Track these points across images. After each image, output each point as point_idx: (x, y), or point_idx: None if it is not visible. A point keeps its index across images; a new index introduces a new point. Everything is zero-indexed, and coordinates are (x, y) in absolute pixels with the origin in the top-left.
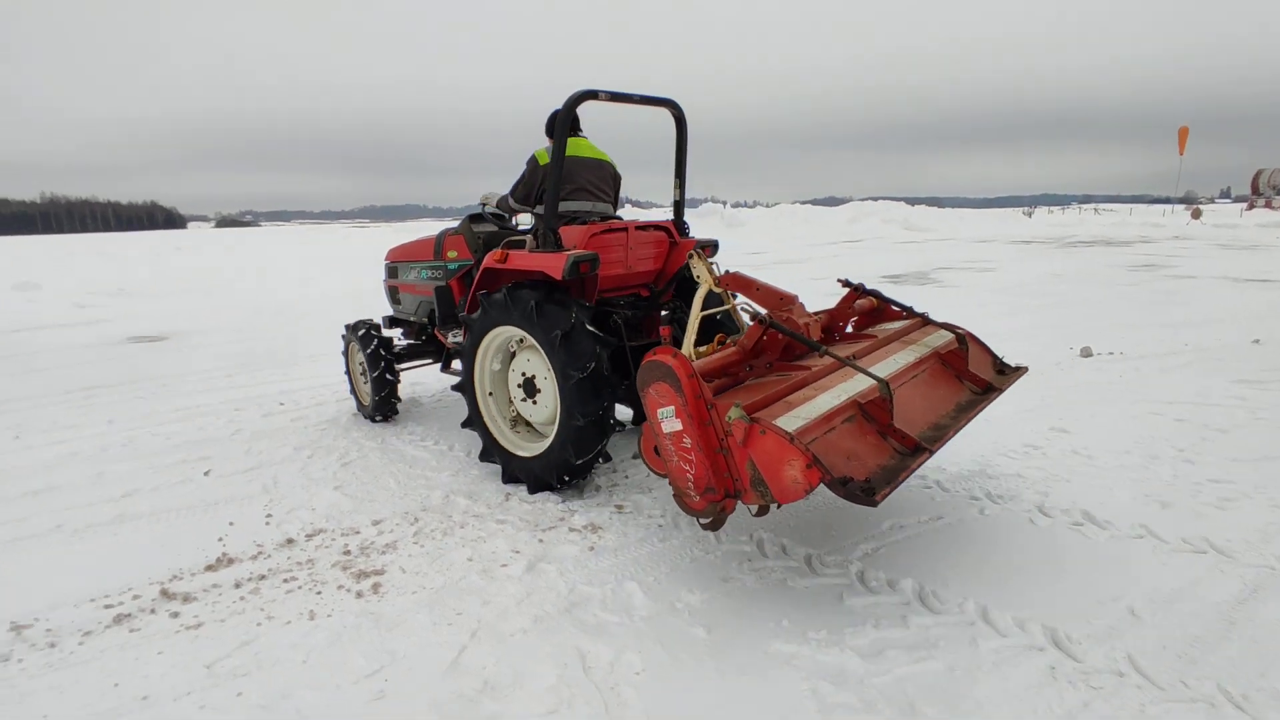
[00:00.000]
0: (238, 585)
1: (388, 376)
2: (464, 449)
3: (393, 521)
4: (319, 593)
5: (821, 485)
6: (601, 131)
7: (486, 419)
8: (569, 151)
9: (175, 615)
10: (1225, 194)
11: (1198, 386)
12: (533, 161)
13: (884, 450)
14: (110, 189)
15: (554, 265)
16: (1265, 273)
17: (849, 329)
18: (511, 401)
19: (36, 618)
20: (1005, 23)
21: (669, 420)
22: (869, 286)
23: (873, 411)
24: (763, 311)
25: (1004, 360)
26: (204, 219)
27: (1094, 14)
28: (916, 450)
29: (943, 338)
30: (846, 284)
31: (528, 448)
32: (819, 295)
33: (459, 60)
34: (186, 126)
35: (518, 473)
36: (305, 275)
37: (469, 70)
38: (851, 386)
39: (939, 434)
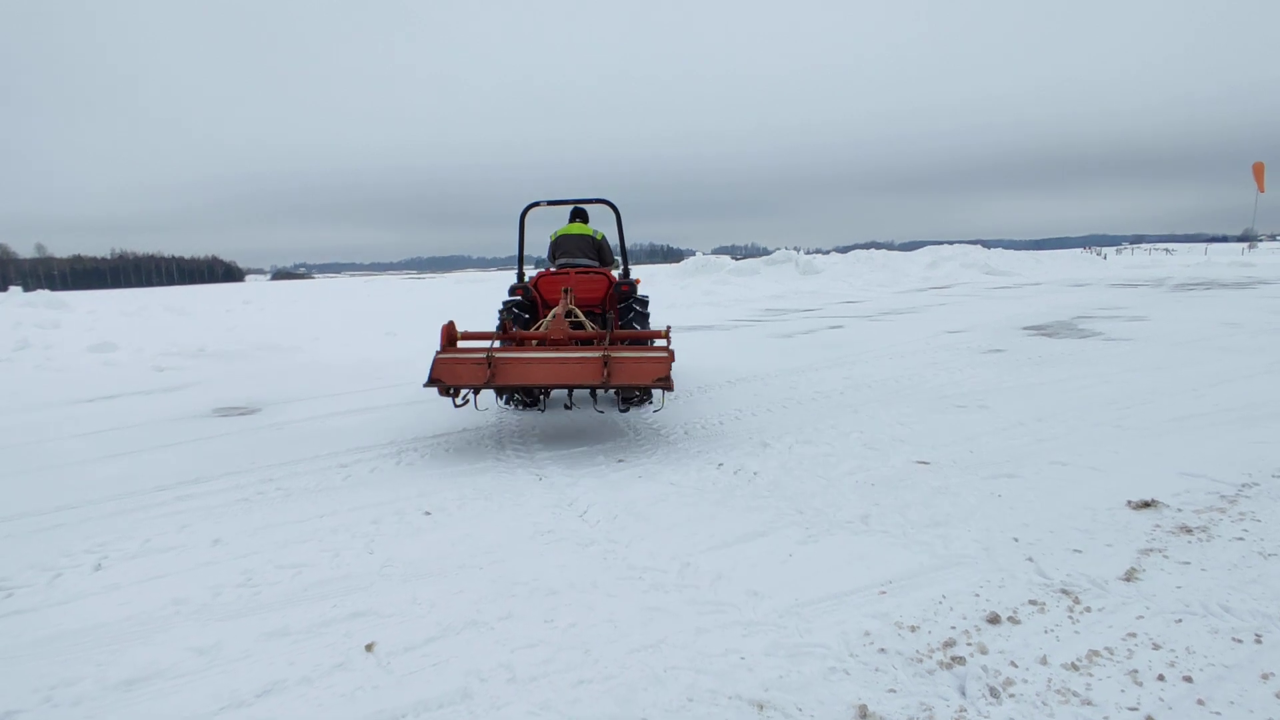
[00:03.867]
0: None
1: None
2: None
3: None
4: None
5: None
6: (653, 193)
7: None
8: (565, 231)
9: None
10: None
11: None
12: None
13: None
14: (173, 244)
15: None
16: None
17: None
18: None
19: None
20: (1045, 68)
21: None
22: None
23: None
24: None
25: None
26: (261, 271)
27: (1133, 54)
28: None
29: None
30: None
31: None
32: (962, 350)
33: (502, 119)
34: (239, 186)
35: None
36: (383, 330)
37: (511, 128)
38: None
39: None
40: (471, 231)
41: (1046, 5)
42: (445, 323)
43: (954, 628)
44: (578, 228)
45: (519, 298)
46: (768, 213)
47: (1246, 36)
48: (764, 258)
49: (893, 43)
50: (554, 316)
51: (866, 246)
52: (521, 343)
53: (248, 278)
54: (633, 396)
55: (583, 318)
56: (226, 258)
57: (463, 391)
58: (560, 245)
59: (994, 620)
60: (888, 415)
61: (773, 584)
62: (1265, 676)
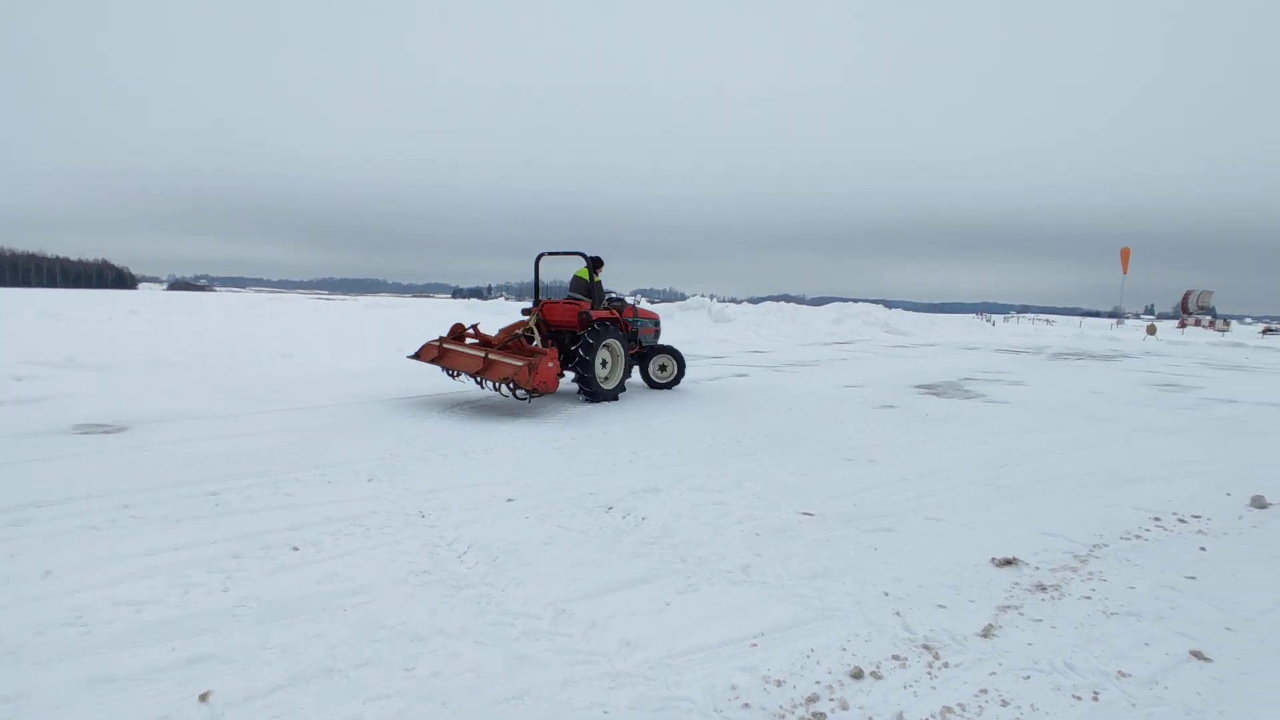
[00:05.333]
0: None
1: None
2: None
3: None
4: None
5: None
6: (577, 229)
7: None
8: (575, 273)
9: None
10: (1149, 310)
11: None
12: None
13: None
14: (59, 244)
15: None
16: None
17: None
18: None
19: None
20: (953, 147)
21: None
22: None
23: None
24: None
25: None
26: (156, 280)
27: (1035, 145)
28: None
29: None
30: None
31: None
32: (858, 404)
33: (425, 138)
34: (143, 184)
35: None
36: (279, 350)
37: (435, 149)
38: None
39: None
40: (390, 255)
41: (958, 83)
42: (455, 323)
43: (819, 682)
44: (581, 271)
45: (538, 316)
46: (689, 259)
47: (1118, 136)
48: (679, 303)
49: (821, 102)
50: (502, 330)
51: (779, 299)
52: (486, 343)
53: (141, 286)
54: (512, 388)
55: (535, 333)
56: (119, 262)
57: (456, 372)
58: (571, 283)
59: (857, 675)
60: (781, 465)
61: (647, 633)
62: None
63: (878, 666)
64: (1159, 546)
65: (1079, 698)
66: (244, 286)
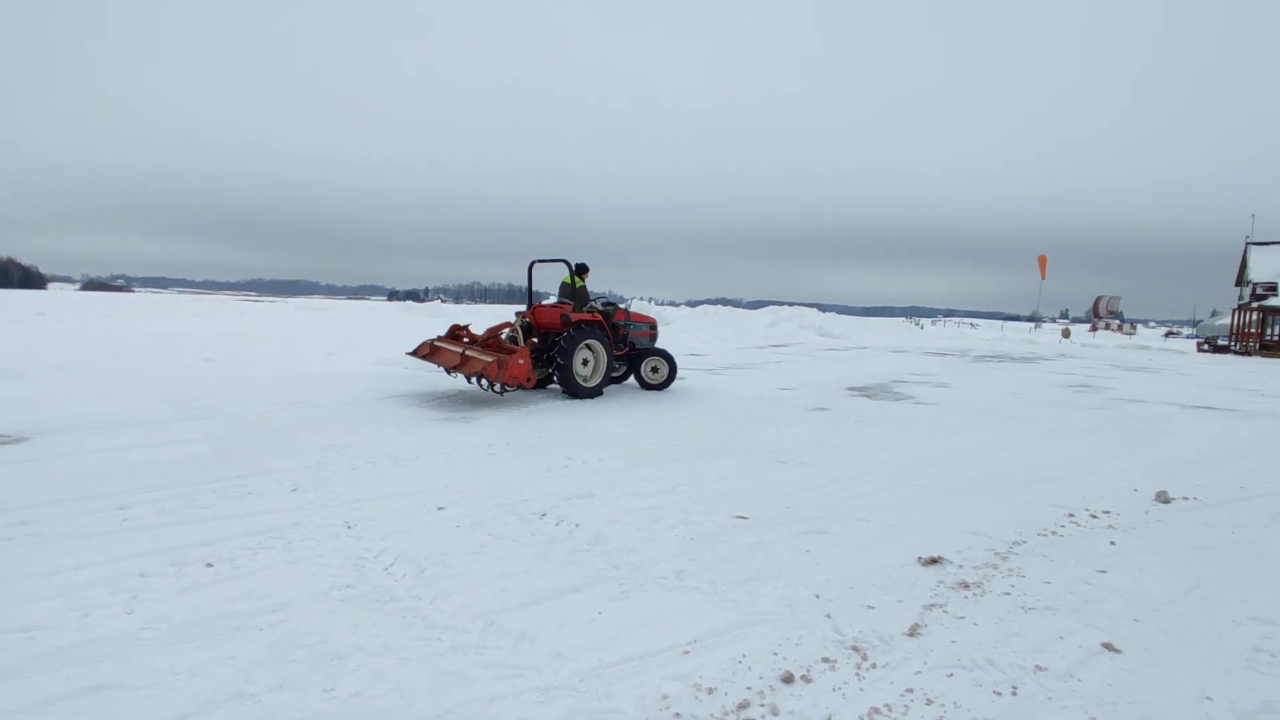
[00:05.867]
0: None
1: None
2: None
3: None
4: None
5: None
6: (515, 231)
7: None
8: (564, 279)
9: None
10: (1065, 315)
11: None
12: None
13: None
14: None
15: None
16: (1198, 398)
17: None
18: None
19: None
20: (889, 160)
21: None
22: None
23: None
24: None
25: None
26: (68, 280)
27: (967, 161)
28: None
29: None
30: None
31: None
32: (792, 407)
33: (363, 137)
34: (55, 178)
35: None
36: (201, 354)
37: (373, 148)
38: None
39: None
40: (324, 256)
41: (898, 103)
42: (452, 324)
43: (750, 688)
44: (567, 278)
45: (525, 320)
46: (628, 263)
47: (1040, 156)
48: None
49: (758, 112)
50: (488, 330)
51: (717, 302)
52: (475, 342)
53: (51, 286)
54: (488, 383)
55: (519, 333)
56: (26, 261)
57: (453, 370)
58: (560, 288)
59: (788, 679)
60: (716, 469)
61: (578, 644)
62: None
63: (808, 670)
64: (1073, 542)
65: (999, 693)
66: (166, 287)
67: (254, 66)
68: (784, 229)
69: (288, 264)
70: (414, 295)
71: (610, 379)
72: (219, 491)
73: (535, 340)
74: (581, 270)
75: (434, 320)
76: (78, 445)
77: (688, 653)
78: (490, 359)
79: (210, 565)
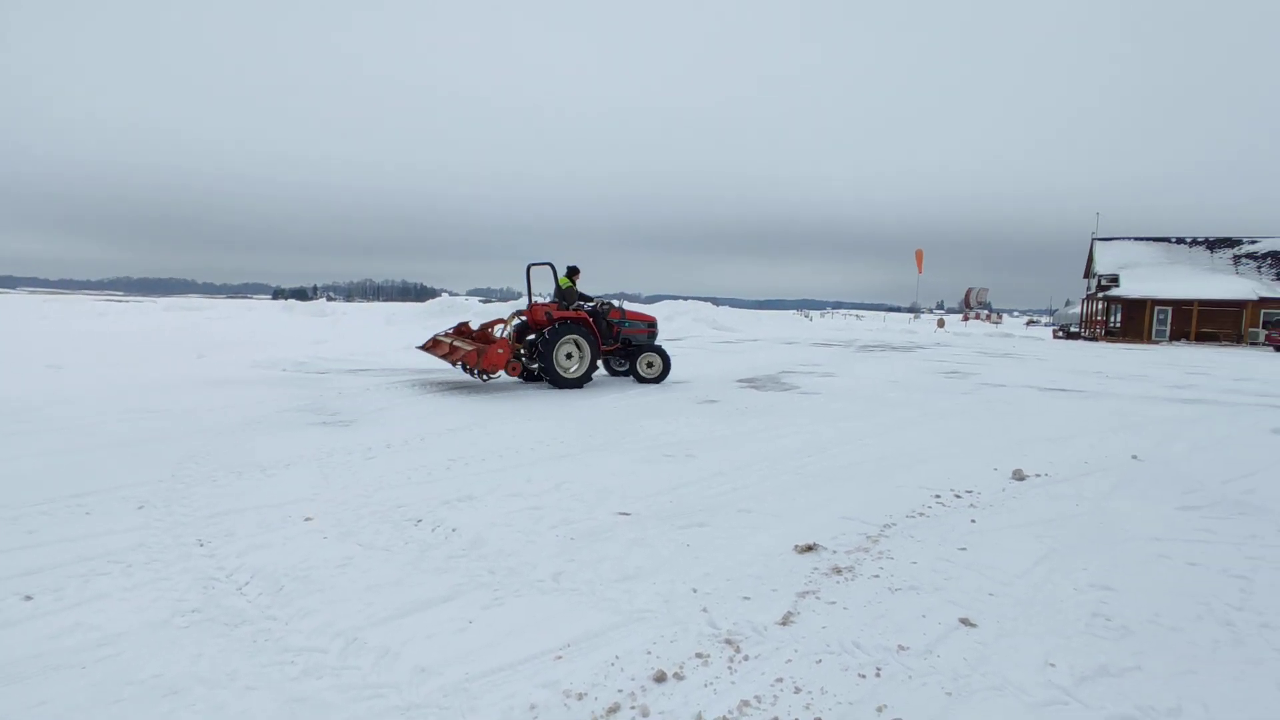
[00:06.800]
0: None
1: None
2: None
3: None
4: None
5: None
6: (407, 227)
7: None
8: (558, 280)
9: None
10: (940, 306)
11: (1158, 514)
12: None
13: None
14: None
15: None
16: (1052, 381)
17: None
18: None
19: None
20: (782, 159)
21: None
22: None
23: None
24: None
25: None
26: None
27: (855, 162)
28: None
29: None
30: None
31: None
32: (681, 400)
33: (247, 125)
34: None
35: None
36: (56, 359)
37: (258, 138)
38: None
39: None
40: (203, 252)
41: (798, 109)
42: (460, 322)
43: (621, 690)
44: (561, 280)
45: (523, 318)
46: (524, 258)
47: (912, 153)
48: (513, 302)
49: (650, 115)
50: (483, 325)
51: (615, 297)
52: (471, 336)
53: None
54: (473, 370)
55: (509, 329)
56: None
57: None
58: (554, 289)
59: (660, 678)
60: (601, 465)
61: (445, 657)
62: (880, 709)
63: (681, 667)
64: (938, 521)
65: (864, 675)
66: (13, 287)
67: (127, 44)
68: (680, 224)
69: (161, 261)
70: (300, 293)
71: (614, 371)
72: (50, 513)
73: (531, 336)
74: (572, 272)
75: (319, 319)
76: None
77: (560, 658)
78: (472, 348)
79: (29, 599)
